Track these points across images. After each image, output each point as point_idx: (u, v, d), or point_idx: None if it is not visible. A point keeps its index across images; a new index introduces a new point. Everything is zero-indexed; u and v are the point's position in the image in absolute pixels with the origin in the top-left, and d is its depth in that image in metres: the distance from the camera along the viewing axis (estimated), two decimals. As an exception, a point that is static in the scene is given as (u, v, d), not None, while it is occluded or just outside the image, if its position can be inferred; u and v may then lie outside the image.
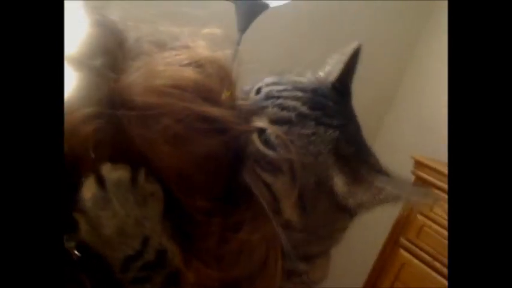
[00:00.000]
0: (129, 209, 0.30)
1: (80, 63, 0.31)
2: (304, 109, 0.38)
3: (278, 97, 0.38)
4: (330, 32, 1.70)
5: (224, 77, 0.35)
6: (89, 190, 0.29)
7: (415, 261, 1.54)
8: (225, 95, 0.35)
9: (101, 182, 0.29)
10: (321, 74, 0.45)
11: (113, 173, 0.29)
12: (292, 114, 0.38)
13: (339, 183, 0.38)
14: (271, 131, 0.37)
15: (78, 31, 0.32)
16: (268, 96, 0.39)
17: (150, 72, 0.32)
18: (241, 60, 0.41)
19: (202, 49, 0.36)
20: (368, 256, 1.73)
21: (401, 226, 1.61)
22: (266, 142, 0.37)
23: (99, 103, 0.30)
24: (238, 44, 1.26)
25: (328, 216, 0.40)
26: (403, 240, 1.60)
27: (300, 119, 0.37)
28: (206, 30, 0.38)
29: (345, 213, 0.39)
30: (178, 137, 0.31)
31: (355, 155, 0.38)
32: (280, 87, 0.39)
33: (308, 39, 1.66)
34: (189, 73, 0.33)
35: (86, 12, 0.34)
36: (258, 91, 0.42)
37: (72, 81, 0.30)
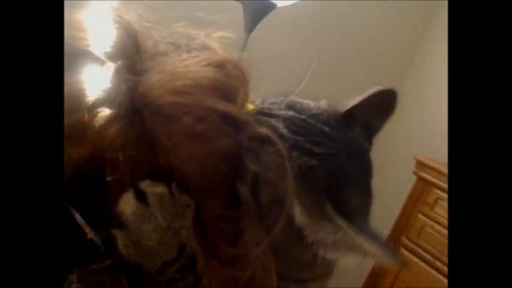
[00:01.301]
0: (170, 221, 0.30)
1: (101, 65, 0.31)
2: (283, 131, 0.36)
3: (267, 114, 0.37)
4: (335, 32, 1.71)
5: (241, 77, 0.36)
6: (128, 205, 0.29)
7: (416, 260, 1.55)
8: (240, 96, 0.36)
9: (140, 196, 0.29)
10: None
11: (154, 187, 0.30)
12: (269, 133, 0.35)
13: (297, 211, 0.35)
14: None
15: (97, 31, 0.33)
16: (259, 112, 0.38)
17: (170, 74, 0.32)
18: (251, 60, 0.42)
19: (219, 50, 0.37)
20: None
21: (402, 226, 1.62)
22: None
23: (122, 104, 0.30)
24: (245, 44, 1.28)
25: (294, 249, 0.37)
26: (404, 240, 1.61)
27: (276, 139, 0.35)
28: (219, 33, 0.39)
29: (307, 247, 0.36)
30: (199, 135, 0.31)
31: (328, 190, 0.34)
32: (274, 105, 0.38)
33: (314, 40, 1.67)
34: (209, 73, 0.33)
35: (103, 13, 0.35)
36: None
37: (94, 83, 0.30)
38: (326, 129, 0.37)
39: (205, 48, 0.37)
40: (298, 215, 0.34)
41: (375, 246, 0.32)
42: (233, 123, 0.33)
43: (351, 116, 0.40)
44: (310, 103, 0.41)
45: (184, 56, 0.35)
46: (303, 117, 0.37)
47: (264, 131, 0.35)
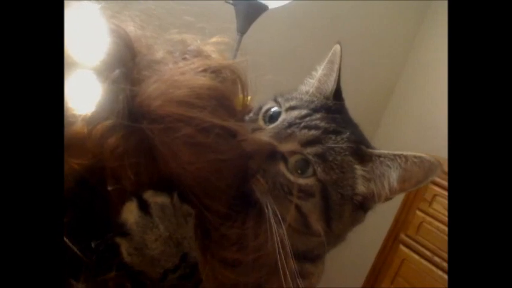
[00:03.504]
0: (173, 231, 0.30)
1: (98, 75, 0.31)
2: (325, 123, 0.43)
3: (300, 122, 0.43)
4: (328, 33, 1.71)
5: (237, 81, 0.37)
6: (131, 215, 0.29)
7: (415, 256, 1.56)
8: (238, 100, 0.37)
9: (142, 206, 0.30)
10: (312, 80, 0.52)
11: (157, 198, 0.30)
12: (319, 132, 0.42)
13: (360, 183, 0.43)
14: (306, 152, 0.41)
15: (93, 41, 0.32)
16: (291, 124, 0.43)
17: (167, 83, 0.32)
18: (247, 63, 0.42)
19: (214, 55, 0.37)
20: (369, 252, 1.74)
21: (401, 223, 1.63)
22: (295, 169, 0.41)
23: (120, 114, 0.30)
24: (238, 46, 1.28)
25: (350, 219, 0.44)
26: (403, 236, 1.62)
27: (325, 135, 0.42)
28: (215, 39, 0.39)
29: (362, 210, 0.45)
30: (200, 145, 0.31)
31: (367, 148, 0.44)
32: (301, 113, 0.44)
33: (307, 37, 1.67)
34: (205, 80, 0.33)
35: (99, 21, 0.34)
36: (267, 112, 0.46)
37: (92, 94, 0.30)
38: (337, 114, 0.47)
39: (200, 54, 0.37)
40: (361, 185, 0.43)
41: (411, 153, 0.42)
42: (232, 134, 0.34)
43: (337, 93, 0.50)
44: (313, 98, 0.49)
45: (181, 63, 0.35)
46: (323, 111, 0.46)
47: (291, 146, 0.41)
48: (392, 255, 1.63)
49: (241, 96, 0.37)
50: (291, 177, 0.41)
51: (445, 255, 1.46)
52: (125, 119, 0.30)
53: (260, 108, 0.47)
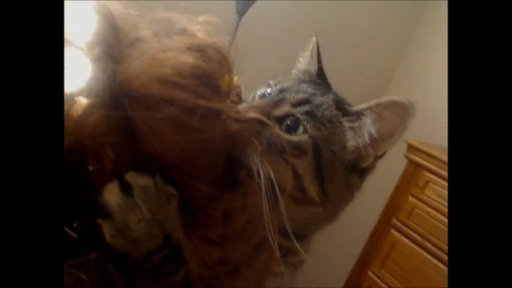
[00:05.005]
0: (155, 212, 0.30)
1: (81, 52, 0.30)
2: (311, 89, 0.48)
3: (290, 89, 0.47)
4: (326, 13, 1.70)
5: (222, 60, 0.36)
6: (112, 196, 0.29)
7: (406, 241, 1.58)
8: (224, 80, 0.36)
9: (124, 188, 0.29)
10: (301, 65, 0.57)
11: (139, 179, 0.30)
12: (307, 95, 0.46)
13: (349, 139, 0.46)
14: (295, 111, 0.44)
15: (74, 18, 0.31)
16: (282, 90, 0.47)
17: (150, 61, 0.31)
18: (238, 44, 0.42)
19: (200, 34, 0.36)
20: (360, 235, 1.77)
21: (393, 207, 1.65)
22: (288, 129, 0.44)
23: (101, 93, 0.29)
24: (236, 27, 1.26)
25: (343, 182, 0.46)
26: (394, 221, 1.64)
27: (312, 97, 0.46)
28: (203, 18, 0.38)
29: (354, 173, 0.47)
30: (183, 124, 0.31)
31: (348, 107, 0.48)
32: (289, 83, 0.49)
33: (303, 23, 1.66)
34: (189, 59, 0.33)
35: None
36: (263, 96, 0.49)
37: (73, 72, 0.29)
38: (320, 81, 0.53)
39: (185, 32, 0.36)
40: (351, 140, 0.46)
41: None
42: (216, 114, 0.34)
43: (319, 69, 0.55)
44: (299, 74, 0.54)
45: (164, 41, 0.34)
46: (308, 81, 0.52)
47: (283, 110, 0.45)
48: (383, 239, 1.66)
49: (226, 76, 0.37)
50: (285, 136, 0.44)
51: (436, 241, 1.48)
52: (106, 97, 0.29)
53: (254, 96, 0.49)
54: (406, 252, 1.58)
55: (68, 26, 0.30)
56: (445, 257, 1.45)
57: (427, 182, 1.55)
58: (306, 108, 0.45)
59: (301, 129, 0.45)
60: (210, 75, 0.34)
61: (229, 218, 0.35)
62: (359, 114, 0.47)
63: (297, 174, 0.43)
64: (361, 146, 0.46)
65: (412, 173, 1.60)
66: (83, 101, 0.28)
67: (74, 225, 0.28)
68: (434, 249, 1.48)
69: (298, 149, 0.44)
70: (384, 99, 0.45)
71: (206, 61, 0.34)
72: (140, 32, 0.34)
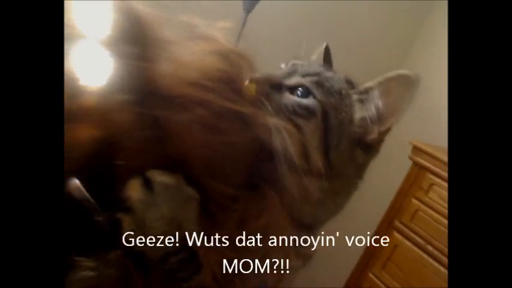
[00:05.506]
0: (175, 212, 0.30)
1: (113, 50, 0.31)
2: (321, 69, 0.50)
3: (302, 66, 0.49)
4: (328, 18, 1.69)
5: (245, 65, 0.37)
6: (135, 191, 0.29)
7: (408, 243, 1.58)
8: (247, 85, 0.38)
9: (147, 184, 0.29)
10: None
11: (162, 177, 0.30)
12: (318, 70, 0.49)
13: (356, 110, 0.47)
14: (305, 80, 0.46)
15: (105, 16, 0.32)
16: (294, 64, 0.50)
17: (179, 63, 0.32)
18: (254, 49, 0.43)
19: (222, 40, 0.38)
20: (362, 236, 1.77)
21: (396, 210, 1.65)
22: (300, 96, 0.46)
23: (133, 91, 0.30)
24: (243, 24, 1.26)
25: (348, 154, 0.47)
26: (397, 223, 1.63)
27: (323, 70, 0.49)
28: (221, 23, 0.39)
29: (359, 147, 0.48)
30: (211, 126, 0.32)
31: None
32: (300, 62, 0.51)
33: (304, 23, 1.66)
34: (214, 62, 0.34)
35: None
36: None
37: (107, 68, 0.30)
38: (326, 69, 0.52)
39: (208, 37, 0.37)
40: (359, 117, 0.47)
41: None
42: (242, 118, 0.35)
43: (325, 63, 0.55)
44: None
45: (189, 44, 0.35)
46: (317, 64, 0.53)
47: (294, 80, 0.46)
48: (385, 240, 1.65)
49: (250, 83, 0.38)
50: (295, 98, 0.46)
51: (438, 244, 1.47)
52: (138, 95, 0.30)
53: None
54: (407, 255, 1.58)
55: (99, 24, 0.31)
56: (446, 261, 1.44)
57: (431, 184, 1.54)
58: (316, 78, 0.47)
59: (311, 97, 0.46)
60: (234, 79, 0.35)
61: (248, 219, 0.35)
62: (367, 89, 0.49)
63: (303, 137, 0.44)
64: (367, 118, 0.47)
65: (416, 175, 1.59)
66: (118, 97, 0.29)
67: (95, 218, 0.28)
68: (435, 252, 1.48)
69: (307, 110, 0.45)
70: (391, 73, 0.47)
71: (230, 65, 0.35)
72: (167, 34, 0.35)
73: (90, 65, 0.30)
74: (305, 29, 1.62)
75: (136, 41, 0.32)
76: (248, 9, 1.27)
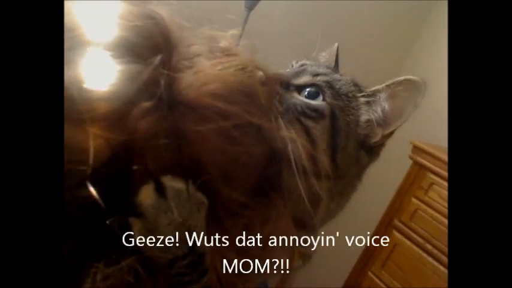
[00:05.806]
0: (185, 217, 0.31)
1: (138, 56, 0.31)
2: (329, 69, 0.51)
3: (311, 65, 0.50)
4: (330, 18, 1.69)
5: (263, 79, 0.38)
6: (147, 196, 0.29)
7: (408, 242, 1.58)
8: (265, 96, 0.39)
9: (159, 189, 0.30)
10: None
11: (174, 182, 0.30)
12: (327, 71, 0.50)
13: (363, 113, 0.48)
14: (316, 80, 0.47)
15: (133, 23, 0.32)
16: (303, 64, 0.51)
17: (204, 75, 0.33)
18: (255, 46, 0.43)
19: (242, 54, 0.38)
20: (362, 235, 1.77)
21: (395, 209, 1.65)
22: (308, 96, 0.47)
23: (159, 98, 0.30)
24: (245, 22, 1.26)
25: (353, 155, 0.48)
26: (396, 222, 1.64)
27: (331, 72, 0.50)
28: (233, 31, 0.40)
29: (363, 150, 0.49)
30: (232, 137, 0.32)
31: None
32: (309, 62, 0.52)
33: (304, 23, 1.66)
34: (236, 76, 0.35)
35: (135, 5, 0.34)
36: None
37: (131, 74, 0.30)
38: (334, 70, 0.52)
39: (229, 51, 0.38)
40: (364, 120, 0.48)
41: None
42: (261, 131, 0.35)
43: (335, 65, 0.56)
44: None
45: (212, 56, 0.36)
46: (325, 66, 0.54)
47: (303, 79, 0.48)
48: (385, 239, 1.66)
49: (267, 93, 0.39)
50: (304, 99, 0.46)
51: (438, 243, 1.48)
52: (163, 102, 0.30)
53: None
54: (407, 253, 1.58)
55: (123, 28, 0.32)
56: (446, 260, 1.44)
57: (431, 184, 1.54)
58: (327, 78, 0.48)
59: (320, 98, 0.47)
60: (254, 92, 0.36)
61: (256, 225, 0.36)
62: (375, 92, 0.50)
63: (312, 140, 0.44)
64: (373, 120, 0.48)
65: (416, 175, 1.60)
66: (143, 103, 0.30)
67: (107, 222, 0.29)
68: (435, 251, 1.48)
69: (316, 111, 0.46)
70: (399, 78, 0.48)
71: (249, 78, 0.36)
72: (193, 46, 0.36)
73: (116, 70, 0.30)
74: (305, 29, 1.62)
75: (165, 50, 0.32)
76: (250, 8, 1.28)
